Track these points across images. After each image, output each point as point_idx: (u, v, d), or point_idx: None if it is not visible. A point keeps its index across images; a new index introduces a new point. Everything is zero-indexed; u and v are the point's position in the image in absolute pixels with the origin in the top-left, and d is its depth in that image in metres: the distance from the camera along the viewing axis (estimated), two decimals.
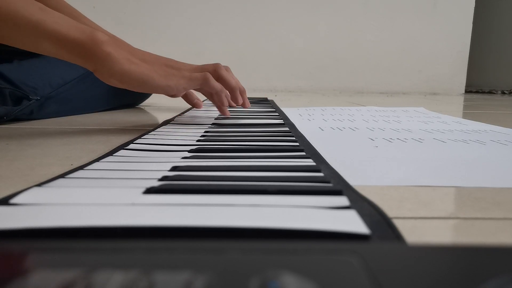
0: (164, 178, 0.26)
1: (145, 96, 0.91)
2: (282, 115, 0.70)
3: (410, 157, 0.39)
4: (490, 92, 2.25)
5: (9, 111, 0.60)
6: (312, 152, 0.37)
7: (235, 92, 0.58)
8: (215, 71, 0.55)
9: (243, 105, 0.62)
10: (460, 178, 0.32)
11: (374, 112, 0.85)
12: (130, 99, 0.87)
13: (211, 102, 0.87)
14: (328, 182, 0.26)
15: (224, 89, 0.55)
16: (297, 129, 0.54)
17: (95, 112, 0.78)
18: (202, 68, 0.55)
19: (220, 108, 0.59)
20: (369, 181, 0.30)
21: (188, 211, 0.20)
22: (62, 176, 0.27)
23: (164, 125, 0.56)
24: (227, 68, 0.87)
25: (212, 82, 0.52)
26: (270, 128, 0.53)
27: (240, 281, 0.12)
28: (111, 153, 0.36)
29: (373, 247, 0.15)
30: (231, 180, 0.26)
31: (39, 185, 0.25)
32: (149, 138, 0.44)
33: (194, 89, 0.55)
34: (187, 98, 0.80)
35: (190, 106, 0.87)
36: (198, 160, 0.33)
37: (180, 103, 0.93)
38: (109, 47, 0.45)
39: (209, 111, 0.75)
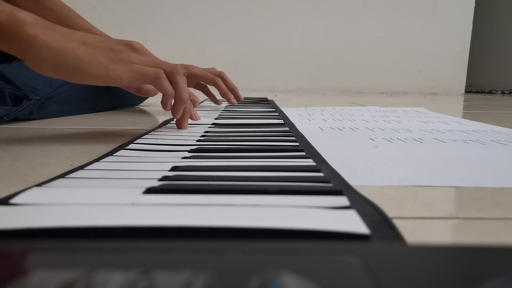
0: (164, 178, 0.26)
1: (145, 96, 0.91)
2: (282, 115, 0.70)
3: (410, 157, 0.39)
4: (490, 92, 2.25)
5: (9, 111, 0.60)
6: (312, 152, 0.37)
7: (180, 104, 0.47)
8: (172, 73, 0.45)
9: (179, 124, 0.51)
10: (460, 178, 0.32)
11: (374, 112, 0.85)
12: (131, 99, 0.87)
13: (211, 102, 0.88)
14: (328, 182, 0.26)
15: (180, 96, 0.46)
16: (297, 129, 0.54)
17: (95, 112, 0.78)
18: (158, 65, 0.45)
19: (165, 108, 0.49)
20: (369, 181, 0.30)
21: (188, 211, 0.20)
22: (62, 176, 0.27)
23: (164, 125, 0.56)
24: (188, 67, 0.78)
25: (164, 83, 0.44)
26: (270, 128, 0.53)
27: (240, 281, 0.12)
28: (111, 153, 0.36)
29: (373, 247, 0.15)
30: (231, 180, 0.26)
31: (39, 185, 0.25)
32: (149, 138, 0.44)
33: (135, 89, 0.49)
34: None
35: None
36: (198, 160, 0.33)
37: None
38: (35, 28, 0.38)
39: (209, 112, 0.75)
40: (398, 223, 0.21)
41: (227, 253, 0.14)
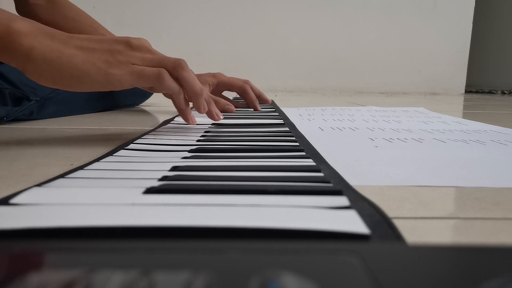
0: (164, 178, 0.26)
1: (145, 96, 0.91)
2: (282, 115, 0.70)
3: (410, 157, 0.39)
4: (490, 92, 2.25)
5: (9, 112, 0.60)
6: (312, 152, 0.37)
7: (196, 98, 0.45)
8: (175, 69, 0.42)
9: (211, 116, 0.50)
10: (460, 178, 0.32)
11: (374, 112, 0.85)
12: (131, 99, 0.87)
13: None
14: (328, 182, 0.26)
15: (192, 90, 0.44)
16: (297, 129, 0.54)
17: (95, 112, 0.78)
18: (159, 62, 0.42)
19: (180, 113, 0.48)
20: (369, 181, 0.30)
21: (188, 211, 0.20)
22: (62, 176, 0.27)
23: (164, 125, 0.56)
24: (216, 76, 0.81)
25: (168, 82, 0.41)
26: (270, 128, 0.53)
27: (240, 281, 0.12)
28: (111, 153, 0.36)
29: (373, 247, 0.15)
30: (231, 180, 0.26)
31: (39, 185, 0.25)
32: (149, 138, 0.44)
33: (147, 88, 0.45)
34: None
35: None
36: (198, 160, 0.33)
37: None
38: (31, 39, 0.37)
39: None
40: (398, 223, 0.21)
41: (227, 253, 0.14)
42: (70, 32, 0.42)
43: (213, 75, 0.81)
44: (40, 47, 0.37)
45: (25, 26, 0.37)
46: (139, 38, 0.43)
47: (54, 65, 0.37)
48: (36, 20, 0.40)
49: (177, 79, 0.43)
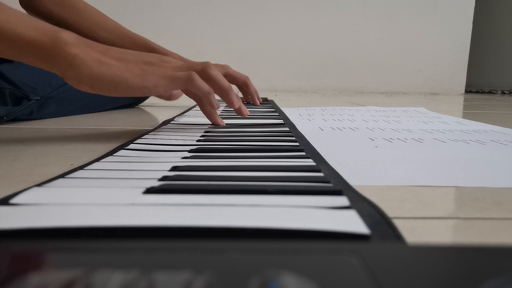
0: (164, 178, 0.26)
1: (145, 96, 0.91)
2: (282, 115, 0.70)
3: (410, 157, 0.39)
4: (490, 92, 2.25)
5: (9, 111, 0.60)
6: (312, 152, 0.37)
7: (227, 94, 0.49)
8: (203, 70, 0.47)
9: (240, 112, 0.54)
10: (460, 178, 0.32)
11: (374, 112, 0.85)
12: (130, 99, 0.87)
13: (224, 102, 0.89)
14: (328, 182, 0.26)
15: (222, 87, 0.48)
16: (297, 129, 0.54)
17: (95, 112, 0.78)
18: (189, 67, 0.46)
19: (209, 115, 0.52)
20: (369, 181, 0.30)
21: (188, 211, 0.20)
22: (62, 176, 0.27)
23: (164, 125, 0.56)
24: (224, 67, 0.90)
25: (199, 82, 0.44)
26: (270, 128, 0.53)
27: (240, 281, 0.12)
28: (111, 153, 0.36)
29: (373, 247, 0.15)
30: (231, 180, 0.26)
31: (39, 185, 0.25)
32: (149, 138, 0.44)
33: (180, 90, 0.49)
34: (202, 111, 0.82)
35: (190, 106, 0.87)
36: (198, 160, 0.33)
37: (180, 103, 0.93)
38: (74, 48, 0.40)
39: None
40: (398, 223, 0.21)
41: (227, 253, 0.14)
42: (88, 27, 0.48)
43: (222, 66, 0.86)
44: (82, 55, 0.40)
45: (70, 36, 0.41)
46: (167, 53, 0.49)
47: (93, 72, 0.40)
48: (46, 13, 0.43)
49: (207, 79, 0.46)
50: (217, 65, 0.89)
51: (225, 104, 0.87)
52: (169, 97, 0.51)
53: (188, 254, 0.14)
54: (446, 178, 0.31)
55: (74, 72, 0.40)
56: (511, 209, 0.25)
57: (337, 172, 0.30)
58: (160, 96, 0.50)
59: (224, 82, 0.48)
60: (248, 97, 0.90)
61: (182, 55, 0.58)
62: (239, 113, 0.54)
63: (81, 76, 0.40)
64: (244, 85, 0.88)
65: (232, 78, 0.87)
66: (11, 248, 0.14)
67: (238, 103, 0.51)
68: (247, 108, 0.81)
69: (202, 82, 0.45)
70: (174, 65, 0.45)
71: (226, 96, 0.49)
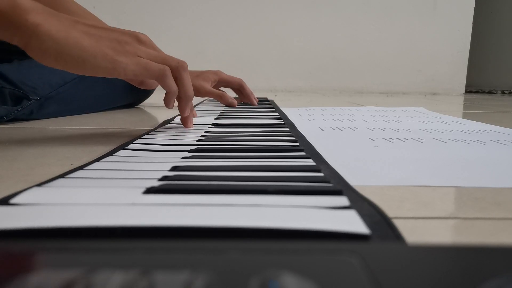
0: (164, 178, 0.26)
1: (146, 95, 0.91)
2: (282, 115, 0.70)
3: (410, 157, 0.39)
4: (490, 92, 2.25)
5: (9, 111, 0.60)
6: (312, 152, 0.37)
7: (186, 101, 0.46)
8: (177, 69, 0.44)
9: (185, 122, 0.50)
10: (460, 178, 0.32)
11: (374, 112, 0.85)
12: (130, 99, 0.87)
13: (216, 100, 0.90)
14: (328, 182, 0.26)
15: (185, 93, 0.45)
16: (297, 129, 0.54)
17: (95, 112, 0.78)
18: (163, 60, 0.43)
19: (166, 103, 0.47)
20: (369, 181, 0.30)
21: (188, 211, 0.20)
22: (62, 176, 0.27)
23: (164, 125, 0.56)
24: (217, 73, 0.91)
25: (169, 80, 0.43)
26: (270, 128, 0.53)
27: (240, 281, 0.12)
28: (111, 153, 0.36)
29: (373, 247, 0.15)
30: (231, 180, 0.26)
31: (39, 185, 0.25)
32: (149, 138, 0.44)
33: (138, 83, 0.46)
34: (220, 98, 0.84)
35: None
36: (198, 160, 0.33)
37: None
38: (37, 16, 0.37)
39: (209, 111, 0.75)
40: (398, 223, 0.21)
41: (227, 253, 0.14)
42: None
43: (215, 73, 0.90)
44: (46, 24, 0.37)
45: (31, 3, 0.37)
46: (144, 34, 0.44)
47: (60, 44, 0.37)
48: None
49: (176, 79, 0.44)
50: (210, 72, 0.91)
51: (224, 105, 0.87)
52: (140, 84, 0.47)
53: (188, 254, 0.14)
54: (446, 178, 0.31)
55: (37, 42, 0.37)
56: (511, 209, 0.25)
57: (337, 172, 0.30)
58: (129, 80, 0.46)
59: (189, 89, 0.45)
60: (245, 99, 0.92)
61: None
62: (183, 122, 0.51)
63: (45, 48, 0.37)
64: (239, 88, 0.92)
65: (227, 82, 0.92)
66: (11, 248, 0.14)
67: (187, 113, 0.48)
68: (246, 108, 0.81)
69: (172, 80, 0.43)
70: (149, 52, 0.42)
71: (183, 102, 0.46)
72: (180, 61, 0.44)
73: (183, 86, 0.45)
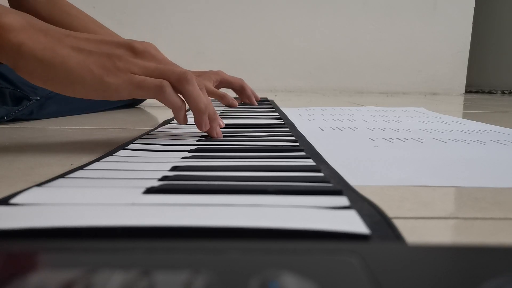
0: (164, 178, 0.26)
1: None
2: (282, 115, 0.70)
3: (410, 157, 0.39)
4: (490, 92, 2.25)
5: (9, 111, 0.60)
6: (312, 152, 0.37)
7: (199, 116, 0.40)
8: (180, 82, 0.38)
9: (211, 135, 0.44)
10: (460, 178, 0.32)
11: (374, 112, 0.85)
12: (130, 99, 0.87)
13: (216, 100, 0.90)
14: (328, 182, 0.26)
15: (196, 107, 0.40)
16: (297, 129, 0.54)
17: (95, 112, 0.78)
18: (162, 72, 0.38)
19: (179, 122, 0.41)
20: (369, 181, 0.30)
21: (188, 211, 0.20)
22: (62, 176, 0.27)
23: (164, 125, 0.56)
24: (219, 73, 0.93)
25: (169, 96, 0.37)
26: (270, 128, 0.53)
27: (240, 281, 0.12)
28: (111, 153, 0.36)
29: (373, 247, 0.15)
30: (231, 180, 0.26)
31: (39, 185, 0.25)
32: (149, 138, 0.44)
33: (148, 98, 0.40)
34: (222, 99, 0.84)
35: None
36: (198, 160, 0.33)
37: None
38: (21, 34, 0.34)
39: None
40: (398, 223, 0.21)
41: (227, 253, 0.14)
42: (73, 30, 0.39)
43: (216, 73, 0.92)
44: (30, 43, 0.34)
45: (15, 19, 0.34)
46: (144, 42, 0.39)
47: (46, 65, 0.34)
48: (36, 17, 0.38)
49: (181, 93, 0.39)
50: (211, 72, 0.92)
51: (225, 105, 0.87)
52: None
53: (188, 254, 0.14)
54: (446, 178, 0.31)
55: (24, 63, 0.34)
56: (511, 209, 0.25)
57: (337, 172, 0.30)
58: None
59: (200, 102, 0.39)
60: (246, 99, 0.93)
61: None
62: (210, 135, 0.44)
63: (32, 70, 0.34)
64: (240, 88, 0.92)
65: (228, 83, 0.93)
66: (11, 248, 0.14)
67: (208, 126, 0.42)
68: (246, 108, 0.81)
69: (175, 96, 0.38)
70: (145, 66, 0.37)
71: (197, 118, 0.40)
72: (181, 72, 0.38)
73: (191, 100, 0.39)
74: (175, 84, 0.38)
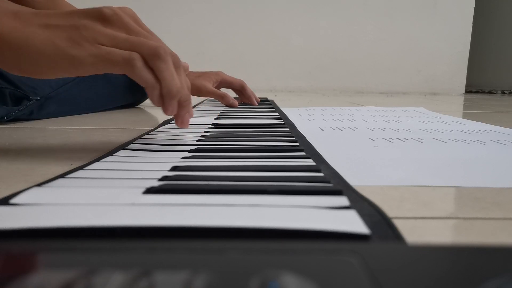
0: (164, 178, 0.26)
1: (146, 95, 0.91)
2: (282, 115, 0.70)
3: (410, 157, 0.39)
4: (490, 92, 2.25)
5: (9, 111, 0.60)
6: (312, 152, 0.37)
7: (169, 98, 0.35)
8: (151, 57, 0.33)
9: (176, 121, 0.39)
10: (460, 178, 0.32)
11: (374, 112, 0.85)
12: (130, 99, 0.87)
13: (216, 100, 0.90)
14: (328, 182, 0.26)
15: (166, 88, 0.34)
16: (297, 129, 0.54)
17: (95, 112, 0.78)
18: (133, 45, 0.33)
19: (152, 102, 0.36)
20: (369, 181, 0.30)
21: (188, 211, 0.20)
22: (62, 176, 0.27)
23: (164, 125, 0.56)
24: (219, 74, 0.93)
25: (140, 71, 0.33)
26: (270, 128, 0.53)
27: (240, 281, 0.12)
28: (111, 153, 0.36)
29: (373, 247, 0.15)
30: (231, 180, 0.26)
31: (39, 185, 0.25)
32: (149, 138, 0.44)
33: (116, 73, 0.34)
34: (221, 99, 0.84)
35: None
36: (198, 160, 0.33)
37: None
38: None
39: (209, 111, 0.75)
40: (398, 223, 0.21)
41: (227, 253, 0.14)
42: None
43: (216, 73, 0.92)
44: (1, 28, 0.31)
45: None
46: (118, 7, 0.35)
47: (13, 48, 0.31)
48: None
49: (153, 70, 0.34)
50: (211, 72, 0.93)
51: (225, 105, 0.87)
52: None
53: (188, 254, 0.14)
54: (446, 178, 0.31)
55: None
56: (511, 209, 0.25)
57: (337, 172, 0.30)
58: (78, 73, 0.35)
59: (173, 83, 0.34)
60: (246, 100, 0.93)
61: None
62: (176, 121, 0.39)
63: (4, 56, 0.32)
64: (240, 89, 0.93)
65: (228, 83, 0.94)
66: (11, 248, 0.14)
67: (174, 111, 0.37)
68: (246, 108, 0.81)
69: (146, 72, 0.33)
70: (115, 35, 0.33)
71: (165, 100, 0.35)
72: (154, 46, 0.33)
73: (162, 79, 0.34)
74: (146, 59, 0.33)
